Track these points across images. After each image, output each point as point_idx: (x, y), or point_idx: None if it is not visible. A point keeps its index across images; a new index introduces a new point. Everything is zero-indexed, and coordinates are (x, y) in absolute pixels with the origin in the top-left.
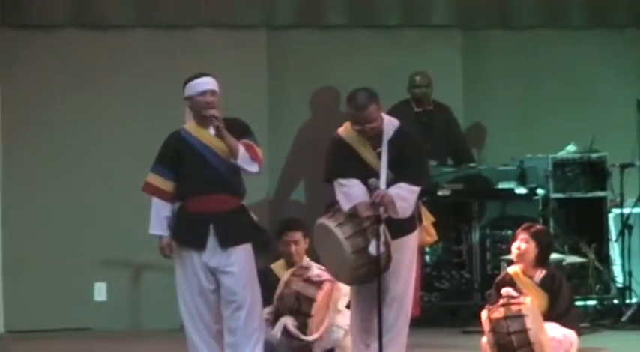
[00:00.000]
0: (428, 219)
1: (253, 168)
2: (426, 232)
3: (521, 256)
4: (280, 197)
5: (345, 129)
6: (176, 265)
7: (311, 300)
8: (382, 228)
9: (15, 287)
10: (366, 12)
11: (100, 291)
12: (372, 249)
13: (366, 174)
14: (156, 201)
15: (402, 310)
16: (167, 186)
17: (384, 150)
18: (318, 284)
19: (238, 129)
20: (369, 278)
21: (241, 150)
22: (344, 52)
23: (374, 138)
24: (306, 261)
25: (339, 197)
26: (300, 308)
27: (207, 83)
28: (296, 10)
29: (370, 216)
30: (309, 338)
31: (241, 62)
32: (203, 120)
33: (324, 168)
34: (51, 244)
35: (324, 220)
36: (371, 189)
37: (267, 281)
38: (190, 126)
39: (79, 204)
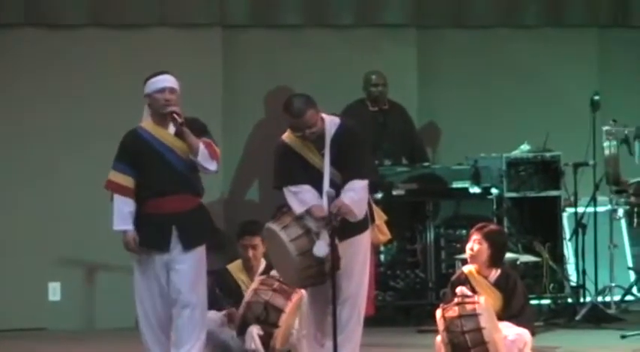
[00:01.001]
0: (381, 217)
1: (212, 166)
2: (379, 231)
3: (474, 257)
4: (235, 196)
5: (288, 135)
6: (135, 266)
7: (280, 311)
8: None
9: None
10: (320, 11)
11: (54, 291)
12: (317, 250)
13: (313, 176)
14: (117, 197)
15: (355, 310)
16: (129, 182)
17: (327, 150)
18: (288, 294)
19: (197, 128)
20: (319, 279)
21: (201, 147)
22: (299, 51)
23: (317, 140)
24: (274, 271)
25: (292, 202)
26: (268, 318)
27: (165, 80)
28: (251, 9)
29: (324, 217)
30: None
31: (196, 61)
32: (161, 119)
33: (273, 175)
34: (4, 244)
35: (270, 224)
36: (328, 199)
37: (224, 282)
38: (147, 124)
39: (33, 203)
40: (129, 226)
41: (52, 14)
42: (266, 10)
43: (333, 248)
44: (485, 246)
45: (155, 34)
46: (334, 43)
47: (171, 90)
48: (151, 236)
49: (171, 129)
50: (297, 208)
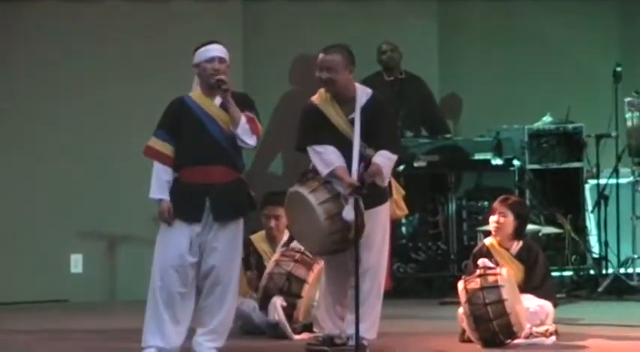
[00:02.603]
0: (398, 192)
1: (251, 141)
2: (397, 206)
3: (499, 229)
4: (258, 169)
5: (318, 97)
6: (159, 233)
7: (302, 282)
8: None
9: None
10: None
11: (77, 263)
12: (346, 214)
13: (338, 140)
14: (157, 165)
15: (376, 282)
16: (168, 150)
17: (357, 117)
18: (309, 265)
19: (244, 102)
20: (342, 246)
21: (242, 120)
22: (320, 23)
23: (346, 105)
24: (295, 242)
25: (316, 162)
26: (291, 288)
27: (214, 50)
28: None
29: (351, 183)
30: (295, 337)
31: (216, 32)
32: (209, 89)
33: (297, 135)
34: (27, 216)
35: (297, 187)
36: (360, 152)
37: (246, 253)
38: (195, 94)
39: (53, 176)
40: (165, 195)
41: None
42: None
43: (357, 210)
44: (510, 217)
45: (175, 6)
46: (355, 15)
47: (221, 59)
48: (183, 205)
49: (218, 100)
50: (322, 168)
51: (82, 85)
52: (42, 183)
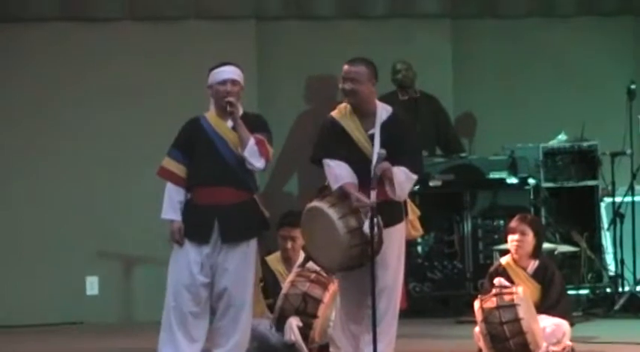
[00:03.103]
0: (414, 212)
1: (259, 163)
2: (412, 226)
3: (520, 248)
4: (273, 189)
5: (337, 111)
6: (173, 253)
7: (318, 301)
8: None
9: (7, 282)
10: (354, 2)
11: (92, 285)
12: (366, 228)
13: (355, 155)
14: (169, 185)
15: (392, 302)
16: (181, 171)
17: (377, 132)
18: (325, 285)
19: (256, 123)
20: (359, 261)
21: (251, 142)
22: (332, 42)
23: (367, 119)
24: (310, 263)
25: (328, 176)
26: (307, 309)
27: (228, 72)
28: (285, 1)
29: (359, 198)
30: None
31: (230, 53)
32: (222, 111)
33: (313, 147)
34: (43, 239)
35: (316, 202)
36: (378, 159)
37: (262, 274)
38: (210, 114)
39: (69, 198)
40: (176, 216)
41: (87, 8)
42: (300, 2)
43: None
44: (530, 236)
45: (190, 27)
46: (368, 35)
47: (234, 81)
48: (193, 226)
49: (230, 122)
50: (332, 183)
51: (97, 107)
52: (57, 205)
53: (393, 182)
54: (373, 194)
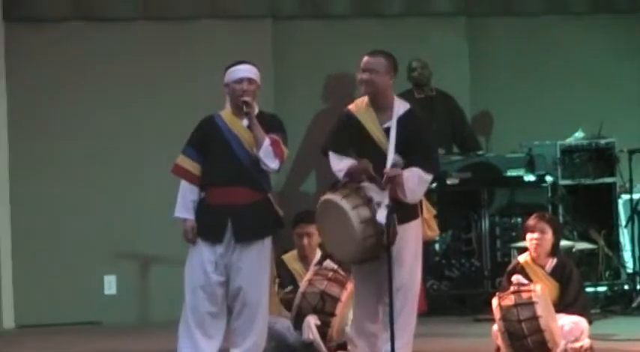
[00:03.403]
0: (429, 211)
1: (273, 164)
2: (428, 227)
3: (539, 246)
4: (290, 188)
5: (354, 105)
6: (189, 253)
7: (336, 300)
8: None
9: (25, 282)
10: (370, 1)
11: (110, 285)
12: (380, 217)
13: (369, 148)
14: (184, 183)
15: (408, 300)
16: (196, 169)
17: (394, 125)
18: (343, 283)
19: (271, 123)
20: (374, 253)
21: (266, 142)
22: (348, 41)
23: (383, 112)
24: (328, 261)
25: (332, 164)
26: (325, 307)
27: (244, 70)
28: (300, 1)
29: (365, 167)
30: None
31: (246, 53)
32: (238, 109)
33: (325, 138)
34: (61, 238)
35: (329, 195)
36: (392, 164)
37: (279, 272)
38: (226, 113)
39: (87, 197)
40: (189, 215)
41: (101, 8)
42: (315, 1)
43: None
44: (549, 234)
45: (205, 26)
46: (383, 33)
47: (250, 80)
48: (206, 226)
49: (246, 121)
50: (338, 174)
51: (112, 107)
52: (75, 205)
53: (404, 188)
54: (385, 194)
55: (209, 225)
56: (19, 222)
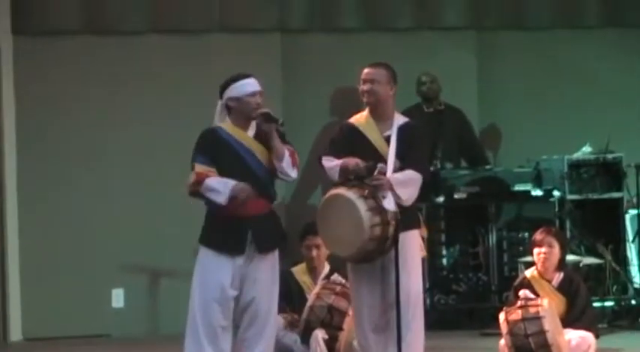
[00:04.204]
0: (423, 231)
1: (293, 173)
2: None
3: (548, 260)
4: (297, 201)
5: (355, 118)
6: (197, 266)
7: (343, 313)
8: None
9: (33, 295)
10: (379, 15)
11: (118, 298)
12: (387, 204)
13: (372, 156)
14: (211, 178)
15: (418, 308)
16: (214, 173)
17: (394, 133)
18: (350, 297)
19: (280, 135)
20: (380, 247)
21: (287, 153)
22: (358, 55)
23: (384, 122)
24: (335, 275)
25: (327, 170)
26: (332, 321)
27: (255, 84)
28: (310, 14)
29: (357, 163)
30: None
31: (256, 66)
32: (244, 121)
33: (327, 147)
34: (68, 251)
35: (333, 190)
36: (378, 173)
37: (287, 285)
38: (227, 125)
39: (95, 210)
40: (232, 183)
41: (111, 21)
42: (324, 15)
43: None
44: (557, 248)
45: (215, 39)
46: (393, 47)
47: (261, 93)
48: (226, 238)
49: (251, 132)
50: (332, 174)
51: (122, 121)
52: (83, 218)
53: (396, 192)
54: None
55: (230, 237)
56: (27, 235)
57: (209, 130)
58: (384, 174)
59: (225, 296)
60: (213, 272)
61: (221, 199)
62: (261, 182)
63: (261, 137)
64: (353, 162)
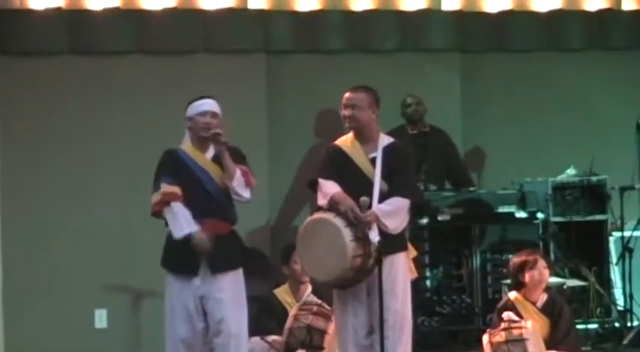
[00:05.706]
0: (412, 253)
1: (246, 194)
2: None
3: (542, 282)
4: (282, 223)
5: (340, 141)
6: (166, 292)
7: (323, 333)
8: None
9: (15, 316)
10: (363, 36)
11: (101, 318)
12: (373, 236)
13: (358, 180)
14: (176, 205)
15: (405, 332)
16: (179, 191)
17: (379, 155)
18: (328, 316)
19: (236, 156)
20: (359, 276)
21: (238, 173)
22: (343, 76)
23: (368, 144)
24: (310, 296)
25: (318, 196)
26: (312, 341)
27: (208, 104)
28: (295, 35)
29: (351, 206)
30: None
31: (240, 87)
32: (200, 142)
33: (314, 172)
34: (51, 271)
35: (318, 214)
36: (361, 208)
37: (271, 307)
38: (187, 146)
39: (78, 230)
40: (194, 227)
41: (96, 42)
42: (309, 36)
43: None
44: (547, 271)
45: (199, 60)
46: (378, 68)
47: (213, 114)
48: (180, 261)
49: (209, 153)
50: (321, 200)
51: (107, 142)
52: (65, 238)
53: (383, 223)
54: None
55: (183, 260)
56: (9, 255)
57: (168, 152)
58: (369, 207)
59: (193, 334)
60: (177, 296)
61: (177, 234)
62: (216, 202)
63: (218, 158)
64: (347, 205)
